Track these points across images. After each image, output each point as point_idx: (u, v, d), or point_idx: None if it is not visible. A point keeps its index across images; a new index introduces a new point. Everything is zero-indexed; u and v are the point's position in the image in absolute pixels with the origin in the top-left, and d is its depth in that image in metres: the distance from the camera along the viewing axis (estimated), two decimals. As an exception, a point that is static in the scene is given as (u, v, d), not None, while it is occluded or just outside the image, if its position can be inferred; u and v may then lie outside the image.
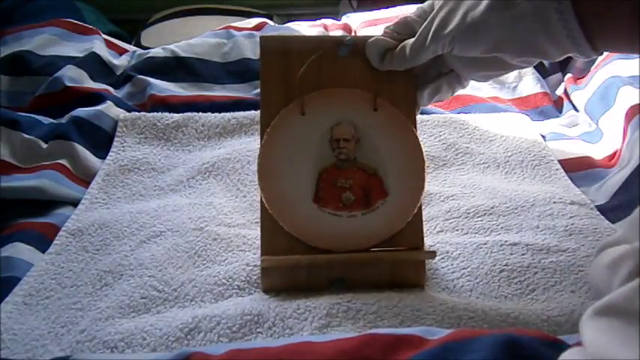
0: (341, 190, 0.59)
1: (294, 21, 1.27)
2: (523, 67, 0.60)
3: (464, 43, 0.54)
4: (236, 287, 0.60)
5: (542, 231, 0.68)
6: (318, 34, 1.12)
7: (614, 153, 0.82)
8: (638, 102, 0.80)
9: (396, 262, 0.59)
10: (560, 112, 0.97)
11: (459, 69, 0.60)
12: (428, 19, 0.55)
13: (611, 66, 0.90)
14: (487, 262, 0.63)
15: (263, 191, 0.58)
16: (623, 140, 0.80)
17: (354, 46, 0.61)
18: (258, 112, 0.62)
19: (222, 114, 0.89)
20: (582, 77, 0.97)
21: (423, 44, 0.55)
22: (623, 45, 0.51)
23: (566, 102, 0.98)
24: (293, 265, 0.57)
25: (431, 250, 0.62)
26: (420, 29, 0.56)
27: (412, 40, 0.56)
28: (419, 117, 0.69)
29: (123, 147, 0.83)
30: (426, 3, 0.58)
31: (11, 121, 0.80)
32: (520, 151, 0.84)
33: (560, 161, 0.82)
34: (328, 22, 1.19)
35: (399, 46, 0.58)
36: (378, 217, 0.59)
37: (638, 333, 0.28)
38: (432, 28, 0.54)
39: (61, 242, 0.66)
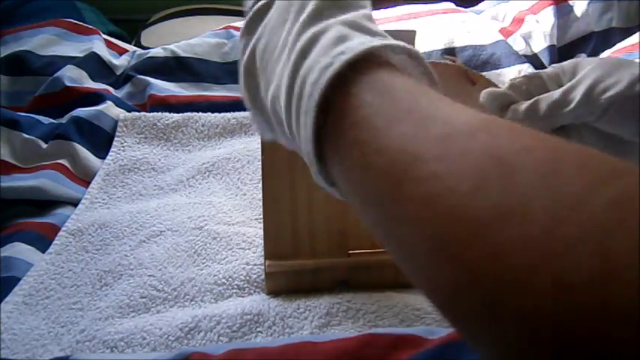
0: None
1: (294, 21, 1.26)
2: None
3: (620, 114, 0.44)
4: (236, 287, 0.59)
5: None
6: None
7: (615, 153, 0.81)
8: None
9: None
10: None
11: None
12: (576, 79, 0.46)
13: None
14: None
15: (268, 191, 0.57)
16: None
17: None
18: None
19: (222, 114, 0.89)
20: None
21: (565, 104, 0.45)
22: None
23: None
24: (298, 269, 0.57)
25: None
26: (566, 87, 0.46)
27: (548, 95, 0.47)
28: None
29: (123, 147, 0.83)
30: (565, 63, 0.49)
31: (11, 121, 0.81)
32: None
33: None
34: (328, 22, 1.18)
35: (531, 101, 0.47)
36: None
37: None
38: (584, 88, 0.45)
39: (61, 242, 0.66)
